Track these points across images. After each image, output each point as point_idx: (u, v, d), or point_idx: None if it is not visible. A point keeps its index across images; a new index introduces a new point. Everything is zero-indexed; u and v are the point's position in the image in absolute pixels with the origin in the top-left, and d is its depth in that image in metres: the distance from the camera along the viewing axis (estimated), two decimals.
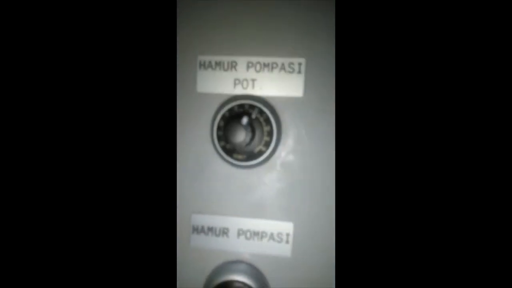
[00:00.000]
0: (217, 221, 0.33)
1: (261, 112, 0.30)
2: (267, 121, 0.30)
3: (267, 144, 0.30)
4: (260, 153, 0.30)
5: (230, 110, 0.30)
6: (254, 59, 0.32)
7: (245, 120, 0.26)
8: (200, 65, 0.32)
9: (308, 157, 0.31)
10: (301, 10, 0.31)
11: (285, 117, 0.31)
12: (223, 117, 0.30)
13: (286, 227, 0.32)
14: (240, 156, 0.30)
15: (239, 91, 0.32)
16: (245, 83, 0.32)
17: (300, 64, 0.31)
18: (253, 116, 0.29)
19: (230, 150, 0.29)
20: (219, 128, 0.30)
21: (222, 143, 0.30)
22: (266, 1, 0.31)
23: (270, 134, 0.30)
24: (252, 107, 0.30)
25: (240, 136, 0.25)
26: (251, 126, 0.26)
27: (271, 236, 0.32)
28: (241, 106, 0.30)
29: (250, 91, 0.32)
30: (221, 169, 0.32)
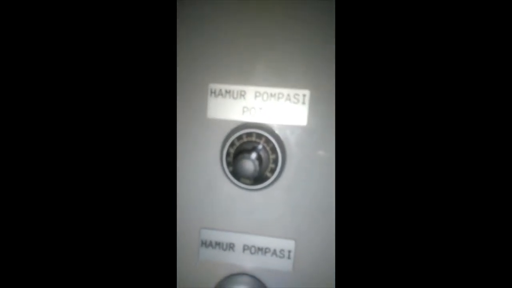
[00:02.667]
0: (224, 236, 0.36)
1: (267, 141, 0.32)
2: (273, 150, 0.32)
3: (273, 171, 0.32)
4: (266, 178, 0.33)
5: (239, 137, 0.33)
6: (261, 89, 0.34)
7: (253, 155, 0.28)
8: (211, 92, 0.35)
9: (310, 181, 0.34)
10: (306, 46, 0.33)
11: (289, 145, 0.34)
12: (232, 144, 0.33)
13: (288, 244, 0.35)
14: (247, 181, 0.32)
15: (247, 118, 0.34)
16: (253, 111, 0.34)
17: (304, 95, 0.33)
18: (260, 146, 0.31)
19: (238, 175, 0.32)
20: (228, 154, 0.33)
21: (231, 168, 0.33)
22: (274, 37, 0.34)
23: (275, 161, 0.32)
24: (259, 136, 0.32)
25: (249, 170, 0.28)
26: (258, 157, 0.29)
27: (274, 252, 0.35)
28: (249, 134, 0.33)
29: (257, 118, 0.34)
30: (229, 190, 0.35)
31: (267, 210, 0.34)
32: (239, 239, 0.35)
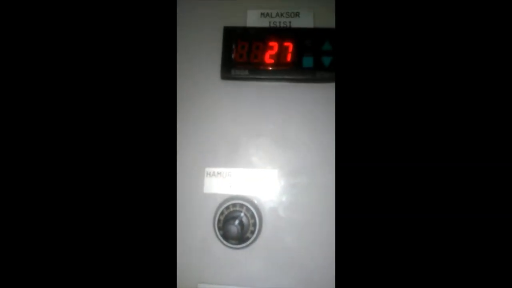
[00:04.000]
0: None
1: (247, 209, 0.43)
2: (252, 216, 0.43)
3: (252, 232, 0.43)
4: (247, 238, 0.43)
5: (227, 207, 0.43)
6: (244, 170, 0.46)
7: (237, 221, 0.39)
8: (207, 174, 0.47)
9: (282, 240, 0.43)
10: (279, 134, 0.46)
11: (264, 212, 0.44)
12: (221, 213, 0.43)
13: None
14: (233, 241, 0.42)
15: (233, 191, 0.46)
16: (237, 186, 0.46)
17: (273, 173, 0.45)
18: (242, 214, 0.42)
19: (226, 237, 0.42)
20: (219, 221, 0.43)
21: (221, 232, 0.43)
22: (256, 127, 0.47)
23: (254, 225, 0.43)
24: (241, 206, 0.43)
25: (234, 233, 0.38)
26: (241, 223, 0.40)
27: None
28: (234, 205, 0.43)
29: (240, 192, 0.45)
30: (220, 249, 0.44)
31: (250, 264, 0.44)
32: None
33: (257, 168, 0.45)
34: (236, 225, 0.38)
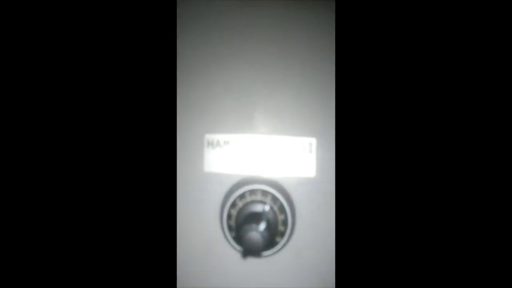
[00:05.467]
0: None
1: (274, 199, 0.28)
2: (282, 209, 0.28)
3: (282, 234, 0.28)
4: (274, 243, 0.28)
5: (241, 196, 0.28)
6: (264, 138, 0.30)
7: (262, 226, 0.24)
8: (208, 143, 0.31)
9: (325, 241, 0.29)
10: (311, 89, 0.30)
11: (298, 202, 0.29)
12: (233, 204, 0.28)
13: None
14: (256, 253, 0.28)
15: (249, 171, 0.30)
16: (254, 163, 0.30)
17: (311, 144, 0.30)
18: (267, 208, 0.27)
19: (246, 247, 0.27)
20: (229, 216, 0.28)
21: (233, 233, 0.28)
22: (275, 80, 0.30)
23: (285, 223, 0.28)
24: (265, 193, 0.28)
25: (258, 246, 0.23)
26: (268, 225, 0.25)
27: None
28: (253, 192, 0.28)
29: (260, 172, 0.30)
30: (231, 258, 0.30)
31: (276, 279, 0.30)
32: None
33: (285, 135, 0.30)
34: (262, 231, 0.23)
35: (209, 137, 0.31)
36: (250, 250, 0.23)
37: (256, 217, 0.25)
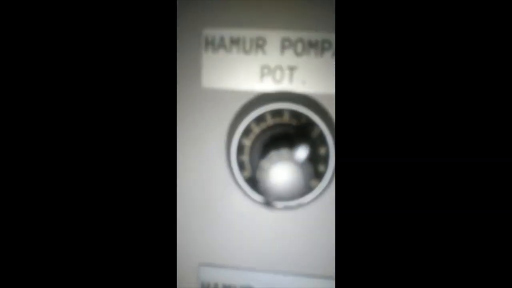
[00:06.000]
0: (238, 277, 0.22)
1: (310, 125, 0.18)
2: (321, 139, 0.18)
3: (320, 176, 0.19)
4: (308, 189, 0.19)
5: (259, 119, 0.19)
6: (293, 34, 0.20)
7: (302, 153, 0.14)
8: (207, 43, 0.20)
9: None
10: None
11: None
12: (247, 131, 0.19)
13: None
14: (284, 200, 0.18)
15: (269, 86, 0.20)
16: (278, 73, 0.20)
17: None
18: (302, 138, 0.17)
19: (269, 193, 0.18)
20: (240, 149, 0.19)
21: (247, 173, 0.19)
22: None
23: (325, 159, 0.18)
24: (296, 116, 0.18)
25: (296, 189, 0.14)
26: (306, 160, 0.15)
27: None
28: (277, 113, 0.18)
29: (286, 86, 0.20)
30: (242, 208, 0.21)
31: (306, 239, 0.21)
32: (257, 281, 0.22)
33: (327, 30, 0.19)
34: (304, 167, 0.13)
35: (209, 32, 0.20)
36: (282, 194, 0.14)
37: (287, 140, 0.15)
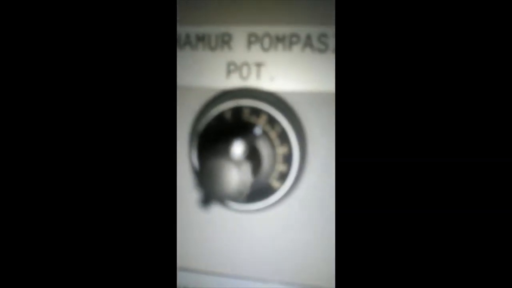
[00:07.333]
0: (212, 282, 0.22)
1: (271, 121, 0.17)
2: (283, 137, 0.17)
3: (283, 177, 0.18)
4: (270, 190, 0.18)
5: (218, 118, 0.18)
6: (260, 29, 0.19)
7: (238, 148, 0.13)
8: (183, 40, 0.20)
9: None
10: None
11: (312, 128, 0.19)
12: (206, 131, 0.18)
13: None
14: (235, 198, 0.17)
15: (235, 82, 0.20)
16: (245, 69, 0.20)
17: (326, 36, 0.18)
18: (258, 132, 0.16)
19: (215, 190, 0.17)
20: (202, 146, 0.18)
21: (204, 172, 0.18)
22: None
23: (287, 159, 0.17)
24: (255, 112, 0.17)
25: (231, 186, 0.13)
26: (253, 151, 0.14)
27: None
28: (237, 110, 0.18)
29: (253, 82, 0.19)
30: (209, 212, 0.20)
31: (271, 243, 0.20)
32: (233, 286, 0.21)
33: (296, 24, 0.19)
34: (237, 158, 0.13)
35: (186, 30, 0.20)
36: (218, 192, 0.13)
37: (227, 137, 0.14)
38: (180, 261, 0.21)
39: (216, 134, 0.17)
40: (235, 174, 0.13)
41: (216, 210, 0.20)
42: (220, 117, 0.18)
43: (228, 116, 0.18)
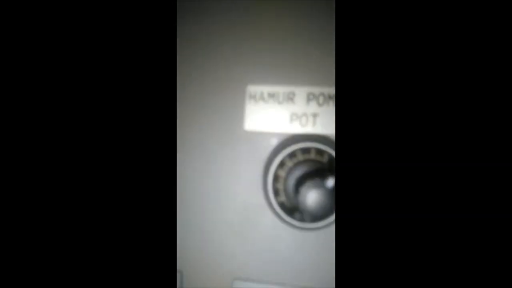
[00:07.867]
0: None
1: (332, 159, 0.23)
2: None
3: None
4: (332, 210, 0.23)
5: (292, 154, 0.24)
6: (316, 89, 0.26)
7: (331, 181, 0.19)
8: (250, 97, 0.26)
9: None
10: None
11: None
12: (281, 164, 0.24)
13: None
14: (309, 217, 0.23)
15: (296, 129, 0.26)
16: (303, 119, 0.26)
17: None
18: (330, 184, 0.22)
19: (290, 208, 0.22)
20: (276, 178, 0.24)
21: (281, 198, 0.24)
22: (330, 19, 0.26)
23: None
24: (320, 152, 0.23)
25: (324, 206, 0.18)
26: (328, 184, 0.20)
27: None
28: (306, 150, 0.24)
29: (309, 129, 0.25)
30: (277, 229, 0.25)
31: (328, 254, 0.25)
32: None
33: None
34: (330, 187, 0.18)
35: (253, 89, 0.26)
36: (314, 211, 0.19)
37: (320, 172, 0.20)
38: (239, 270, 0.26)
39: (294, 166, 0.23)
40: (328, 199, 0.18)
41: (288, 228, 0.25)
42: (293, 154, 0.23)
43: (300, 154, 0.24)
